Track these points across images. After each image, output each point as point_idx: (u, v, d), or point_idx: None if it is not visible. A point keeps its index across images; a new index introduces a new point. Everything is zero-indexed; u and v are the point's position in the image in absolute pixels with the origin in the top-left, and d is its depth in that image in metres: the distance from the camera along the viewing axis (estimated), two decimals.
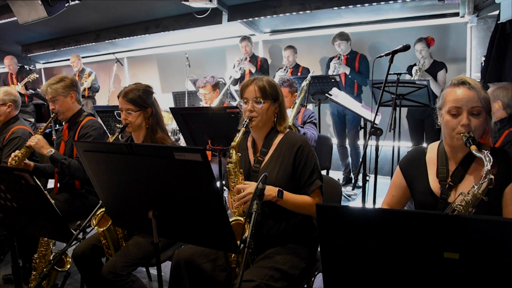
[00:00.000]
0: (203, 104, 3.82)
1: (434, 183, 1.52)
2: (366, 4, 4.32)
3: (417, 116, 4.16)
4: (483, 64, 3.79)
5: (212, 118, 2.52)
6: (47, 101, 2.61)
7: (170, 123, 4.11)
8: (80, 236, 1.75)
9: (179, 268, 1.73)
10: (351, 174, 4.68)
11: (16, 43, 6.83)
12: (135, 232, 2.07)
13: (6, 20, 5.04)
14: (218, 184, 2.59)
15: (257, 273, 1.57)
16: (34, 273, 2.20)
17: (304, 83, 3.50)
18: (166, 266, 2.23)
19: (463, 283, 0.91)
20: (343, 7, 4.43)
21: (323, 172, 2.45)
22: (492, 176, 1.28)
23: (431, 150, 1.59)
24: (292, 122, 2.91)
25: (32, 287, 2.14)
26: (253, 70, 5.01)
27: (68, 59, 6.40)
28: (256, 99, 1.76)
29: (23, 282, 2.15)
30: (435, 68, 4.02)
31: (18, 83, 6.11)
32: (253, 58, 5.14)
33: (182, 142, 3.50)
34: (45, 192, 1.51)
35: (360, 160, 2.39)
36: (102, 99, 6.88)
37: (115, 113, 2.39)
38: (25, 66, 6.92)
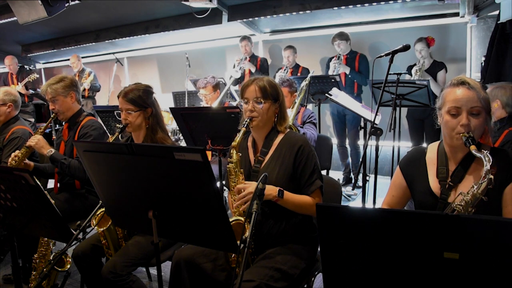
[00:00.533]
0: (203, 104, 3.82)
1: (434, 183, 1.52)
2: (366, 4, 4.32)
3: (417, 116, 4.16)
4: (483, 64, 3.79)
5: (212, 118, 2.52)
6: (47, 101, 2.61)
7: (170, 123, 4.11)
8: (80, 236, 1.75)
9: (179, 268, 1.73)
10: (351, 174, 4.68)
11: (16, 43, 6.83)
12: (135, 232, 2.07)
13: (6, 20, 5.04)
14: (218, 184, 2.60)
15: (257, 273, 1.57)
16: (34, 273, 2.20)
17: (304, 83, 3.50)
18: (166, 266, 2.23)
19: (463, 283, 0.91)
20: (343, 7, 4.43)
21: (323, 172, 2.45)
22: (491, 176, 1.28)
23: (431, 150, 1.59)
24: (292, 122, 2.91)
25: (32, 287, 2.14)
26: (253, 70, 5.01)
27: (68, 59, 6.39)
28: (256, 99, 1.77)
29: (23, 282, 2.15)
30: (435, 68, 4.02)
31: (19, 83, 6.11)
32: (253, 58, 5.14)
33: (183, 142, 3.50)
34: (45, 192, 1.51)
35: (360, 160, 2.39)
36: (102, 99, 6.88)
37: (115, 113, 2.39)
38: (25, 66, 6.92)
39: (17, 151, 2.42)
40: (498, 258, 0.87)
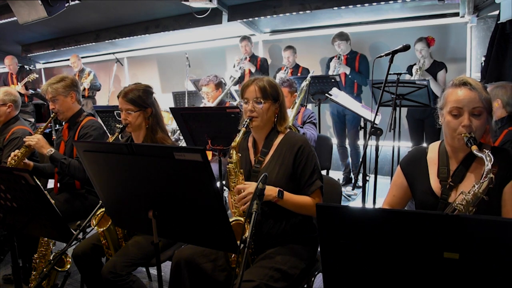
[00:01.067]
0: (204, 103, 3.82)
1: (435, 183, 1.52)
2: (366, 4, 4.32)
3: (417, 116, 4.16)
4: (483, 64, 3.79)
5: (212, 118, 2.52)
6: (47, 101, 2.61)
7: (170, 123, 4.11)
8: (80, 236, 1.74)
9: (179, 268, 1.73)
10: (351, 174, 4.68)
11: (16, 43, 6.83)
12: (135, 232, 2.07)
13: (6, 20, 5.04)
14: (218, 184, 2.60)
15: (257, 273, 1.57)
16: (34, 273, 2.20)
17: (304, 83, 3.50)
18: (166, 266, 2.23)
19: (463, 283, 0.91)
20: (343, 7, 4.43)
21: (323, 172, 2.45)
22: (492, 175, 1.28)
23: (432, 150, 1.59)
24: (292, 123, 2.91)
25: (32, 287, 2.14)
26: (253, 70, 5.01)
27: (68, 59, 6.40)
28: (256, 99, 1.76)
29: (23, 282, 2.15)
30: (435, 68, 4.02)
31: (19, 83, 6.11)
32: (253, 58, 5.14)
33: (183, 142, 3.50)
34: (45, 192, 1.51)
35: (360, 160, 2.39)
36: (102, 99, 6.89)
37: (115, 113, 2.39)
38: (25, 66, 6.92)
39: (16, 151, 2.41)
40: (498, 258, 0.87)
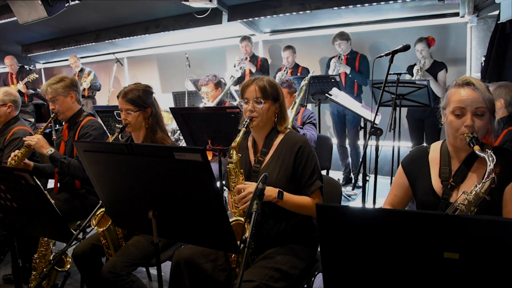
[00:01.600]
0: (204, 103, 3.82)
1: (436, 183, 1.52)
2: (366, 4, 4.32)
3: (417, 116, 4.16)
4: (483, 64, 3.79)
5: (212, 118, 2.52)
6: (47, 101, 2.61)
7: (170, 123, 4.11)
8: (80, 236, 1.74)
9: (179, 268, 1.73)
10: (351, 174, 4.68)
11: (16, 43, 6.83)
12: (135, 232, 2.07)
13: (6, 20, 5.04)
14: (218, 184, 2.60)
15: (257, 273, 1.57)
16: (34, 273, 2.20)
17: (304, 82, 3.50)
18: (166, 266, 2.23)
19: (463, 283, 0.91)
20: (343, 7, 4.43)
21: (323, 172, 2.45)
22: (494, 175, 1.28)
23: (434, 149, 1.59)
24: (292, 124, 2.90)
25: (32, 287, 2.14)
26: (254, 70, 5.01)
27: (68, 59, 6.40)
28: (256, 99, 1.76)
29: (23, 282, 2.15)
30: (435, 68, 4.01)
31: (19, 83, 6.11)
32: (253, 58, 5.14)
33: (183, 142, 3.50)
34: (45, 192, 1.51)
35: (360, 160, 2.39)
36: (102, 99, 6.89)
37: (115, 113, 2.39)
38: (25, 66, 6.91)
39: (16, 151, 2.41)
40: (498, 258, 0.87)
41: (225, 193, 3.19)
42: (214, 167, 2.23)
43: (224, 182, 2.55)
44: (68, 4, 4.04)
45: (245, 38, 5.12)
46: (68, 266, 2.15)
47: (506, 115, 2.45)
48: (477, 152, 1.35)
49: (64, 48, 6.56)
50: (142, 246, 1.97)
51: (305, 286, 1.78)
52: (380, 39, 5.09)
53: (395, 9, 4.66)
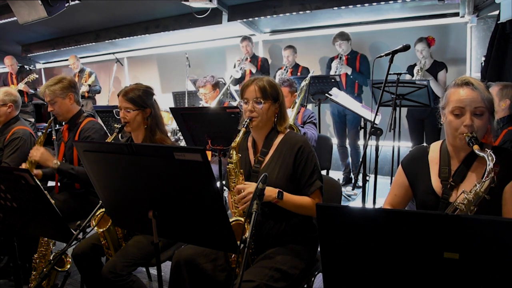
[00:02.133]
0: (203, 104, 3.82)
1: (436, 183, 1.52)
2: (366, 4, 4.32)
3: (417, 116, 4.16)
4: (483, 64, 3.79)
5: (212, 118, 2.52)
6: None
7: (170, 123, 4.11)
8: (80, 236, 1.74)
9: (179, 268, 1.73)
10: (351, 174, 4.68)
11: (16, 43, 6.83)
12: (135, 232, 2.07)
13: (6, 20, 5.04)
14: (218, 184, 2.60)
15: (257, 273, 1.57)
16: (34, 273, 2.20)
17: (304, 83, 3.50)
18: (166, 266, 2.23)
19: (463, 283, 0.91)
20: (343, 7, 4.43)
21: (323, 172, 2.45)
22: (493, 174, 1.28)
23: (434, 149, 1.59)
24: (293, 122, 2.91)
25: (32, 287, 2.14)
26: (254, 70, 5.01)
27: (68, 60, 6.40)
28: (256, 99, 1.76)
29: (23, 282, 2.15)
30: (435, 68, 4.01)
31: (20, 83, 6.11)
32: (253, 58, 5.14)
33: (183, 142, 3.50)
34: (45, 192, 1.51)
35: (360, 160, 2.39)
36: (102, 99, 6.88)
37: (114, 112, 2.39)
38: (25, 66, 6.91)
39: (23, 164, 2.41)
40: (498, 258, 0.87)
41: (225, 193, 3.19)
42: (214, 167, 2.23)
43: (224, 182, 2.55)
44: (68, 4, 4.04)
45: (245, 38, 5.12)
46: (68, 266, 2.15)
47: (506, 115, 2.45)
48: (476, 151, 1.35)
49: (64, 48, 6.56)
50: (142, 246, 1.97)
51: (305, 286, 1.78)
52: (380, 39, 5.09)
53: (395, 9, 4.66)
